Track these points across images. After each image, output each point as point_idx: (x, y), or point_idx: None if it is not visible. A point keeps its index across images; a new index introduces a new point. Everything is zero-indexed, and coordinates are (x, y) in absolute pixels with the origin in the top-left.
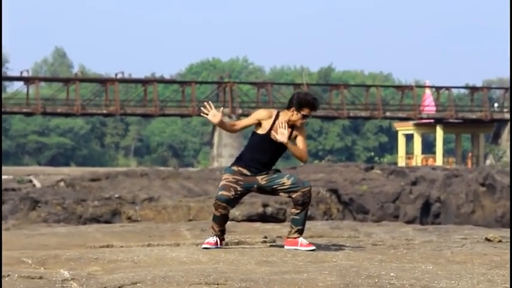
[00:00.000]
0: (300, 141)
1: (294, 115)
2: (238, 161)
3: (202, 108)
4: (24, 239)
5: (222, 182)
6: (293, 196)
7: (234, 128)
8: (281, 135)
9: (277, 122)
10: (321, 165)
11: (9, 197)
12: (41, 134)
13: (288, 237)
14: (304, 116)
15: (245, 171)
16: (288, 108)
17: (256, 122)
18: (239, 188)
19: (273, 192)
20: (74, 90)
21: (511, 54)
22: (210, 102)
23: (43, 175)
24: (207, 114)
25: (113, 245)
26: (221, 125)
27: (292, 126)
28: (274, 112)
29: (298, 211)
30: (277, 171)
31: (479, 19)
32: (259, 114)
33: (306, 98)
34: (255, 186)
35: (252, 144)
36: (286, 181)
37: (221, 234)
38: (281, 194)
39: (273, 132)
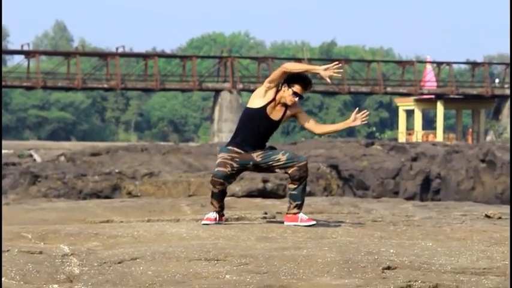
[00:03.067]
0: (304, 117)
1: (284, 91)
2: (231, 141)
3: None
4: (24, 214)
5: (218, 160)
6: (289, 172)
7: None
8: (356, 120)
9: (276, 99)
10: (321, 140)
11: (9, 171)
12: (42, 108)
13: (287, 213)
14: (294, 93)
15: (239, 150)
16: (281, 85)
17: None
18: (235, 165)
19: (269, 169)
20: (75, 64)
21: (511, 30)
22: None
23: (43, 149)
24: None
25: (113, 220)
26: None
27: (285, 105)
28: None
29: (296, 186)
30: (272, 148)
31: None
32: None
33: (300, 74)
34: (251, 163)
35: (244, 121)
36: (282, 157)
37: (221, 210)
38: (277, 170)
39: (271, 109)
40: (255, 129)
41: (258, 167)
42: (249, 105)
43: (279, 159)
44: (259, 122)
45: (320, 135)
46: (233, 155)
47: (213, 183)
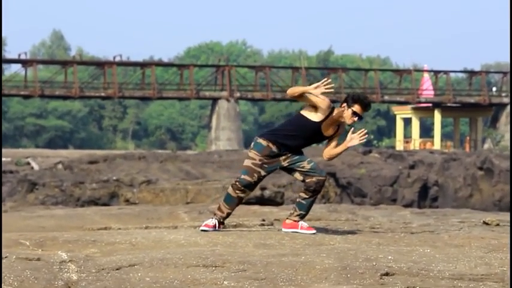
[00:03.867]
0: (336, 140)
1: (345, 111)
2: (272, 135)
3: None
4: (22, 221)
5: (248, 163)
6: (307, 180)
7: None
8: (353, 140)
9: (334, 117)
10: (319, 148)
11: (7, 179)
12: (39, 116)
13: (287, 219)
14: (354, 113)
15: (274, 148)
16: (341, 104)
17: (315, 105)
18: (263, 173)
19: (290, 171)
20: (72, 73)
21: (510, 39)
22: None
23: (41, 157)
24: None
25: (111, 227)
26: (309, 93)
27: (339, 124)
28: (331, 106)
29: (307, 197)
30: (301, 153)
31: (478, 3)
32: (326, 102)
33: (360, 95)
34: (278, 167)
35: (295, 127)
36: (306, 165)
37: (226, 217)
38: (296, 174)
39: (325, 125)
40: (303, 138)
41: (281, 169)
42: (305, 115)
43: (304, 166)
44: (311, 134)
45: (327, 159)
46: (264, 160)
47: (234, 188)
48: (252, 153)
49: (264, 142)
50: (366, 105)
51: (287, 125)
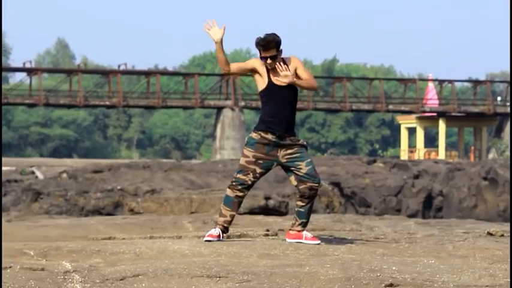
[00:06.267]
0: (299, 74)
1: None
2: (259, 126)
3: (204, 24)
4: (26, 231)
5: (242, 161)
6: (300, 187)
7: (228, 64)
8: (285, 76)
9: (267, 67)
10: (323, 158)
11: (11, 188)
12: (44, 125)
13: (290, 230)
14: (262, 58)
15: (269, 136)
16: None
17: (251, 67)
18: (258, 170)
19: (287, 170)
20: (77, 82)
21: (511, 50)
22: (213, 20)
23: (45, 166)
24: (209, 30)
25: (115, 237)
26: (219, 47)
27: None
28: (258, 60)
29: (304, 204)
30: (303, 146)
31: (482, 12)
32: (253, 61)
33: (255, 41)
34: (275, 164)
35: (265, 101)
36: (304, 167)
37: (230, 221)
38: (292, 178)
39: (273, 78)
40: (277, 104)
41: (280, 166)
42: (259, 87)
43: (301, 168)
44: (276, 94)
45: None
46: (258, 155)
47: (231, 188)
48: (246, 150)
49: (255, 135)
50: (258, 45)
51: (262, 108)
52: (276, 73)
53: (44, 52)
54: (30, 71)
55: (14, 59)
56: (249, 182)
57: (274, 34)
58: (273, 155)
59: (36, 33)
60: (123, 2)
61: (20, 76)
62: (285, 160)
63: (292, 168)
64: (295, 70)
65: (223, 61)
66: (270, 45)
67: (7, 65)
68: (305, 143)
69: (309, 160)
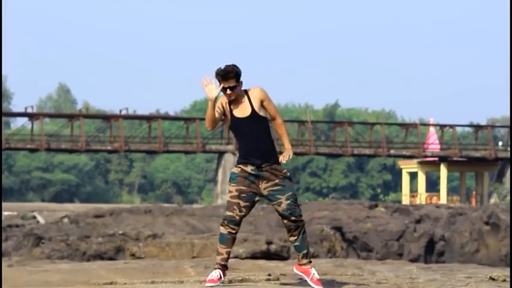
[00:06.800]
0: (265, 106)
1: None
2: (239, 160)
3: (202, 79)
4: (28, 276)
5: (227, 198)
6: (284, 222)
7: (215, 124)
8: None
9: (228, 100)
10: (325, 202)
11: (13, 233)
12: (45, 170)
13: (299, 263)
14: (222, 90)
15: (248, 168)
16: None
17: (220, 107)
18: (242, 203)
19: (270, 201)
20: (78, 127)
21: (511, 95)
22: (208, 76)
23: (47, 211)
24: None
25: (117, 282)
26: (212, 105)
27: (238, 101)
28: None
29: (295, 237)
30: (286, 178)
31: (483, 57)
32: (219, 101)
33: (215, 71)
34: (258, 196)
35: (236, 135)
36: (284, 202)
37: (227, 258)
38: (276, 209)
39: (234, 111)
40: (246, 136)
41: (263, 197)
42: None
43: (281, 202)
44: (242, 126)
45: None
46: (240, 188)
47: (223, 225)
48: (230, 186)
49: (236, 169)
50: (217, 75)
51: (237, 143)
52: (237, 105)
53: (45, 97)
54: (31, 116)
55: (16, 104)
56: (237, 217)
57: (234, 65)
58: (254, 188)
59: (37, 78)
60: (124, 48)
61: (22, 121)
62: (266, 192)
63: (274, 203)
64: (261, 102)
65: (212, 119)
66: (228, 75)
67: (9, 110)
68: (288, 174)
69: (290, 194)
